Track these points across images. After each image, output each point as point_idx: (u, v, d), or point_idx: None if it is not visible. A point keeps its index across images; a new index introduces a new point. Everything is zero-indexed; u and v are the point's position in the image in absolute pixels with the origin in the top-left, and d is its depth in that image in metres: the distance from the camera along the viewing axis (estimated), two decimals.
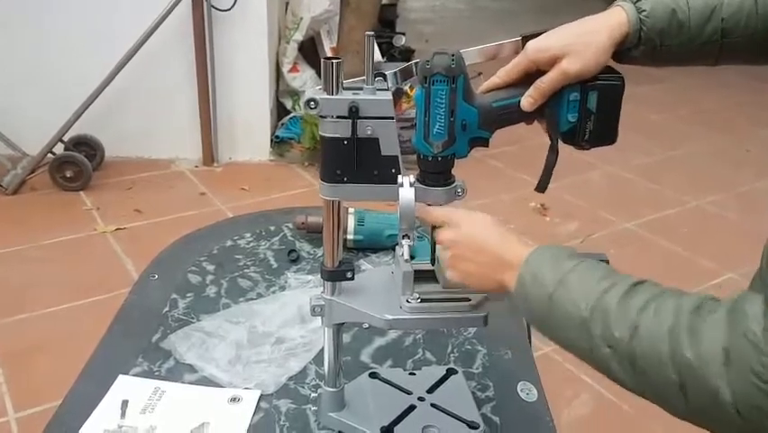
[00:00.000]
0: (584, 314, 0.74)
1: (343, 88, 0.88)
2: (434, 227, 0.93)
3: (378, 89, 0.89)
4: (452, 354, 1.24)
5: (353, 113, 0.86)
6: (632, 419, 2.33)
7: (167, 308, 1.32)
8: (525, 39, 0.90)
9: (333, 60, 0.86)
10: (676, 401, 0.67)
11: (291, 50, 4.34)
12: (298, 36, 4.31)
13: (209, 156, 4.20)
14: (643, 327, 0.69)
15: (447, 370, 1.15)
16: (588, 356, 0.75)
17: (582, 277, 0.77)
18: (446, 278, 0.92)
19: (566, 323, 0.76)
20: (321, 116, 0.88)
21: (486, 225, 0.89)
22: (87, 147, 3.96)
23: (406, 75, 0.92)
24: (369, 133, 0.88)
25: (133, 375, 1.15)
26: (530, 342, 1.27)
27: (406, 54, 5.22)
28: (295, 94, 4.44)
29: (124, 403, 1.08)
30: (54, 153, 3.78)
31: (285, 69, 4.36)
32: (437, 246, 0.94)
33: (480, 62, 0.91)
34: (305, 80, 4.41)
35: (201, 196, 3.84)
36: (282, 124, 4.42)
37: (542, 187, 1.06)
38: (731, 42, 0.91)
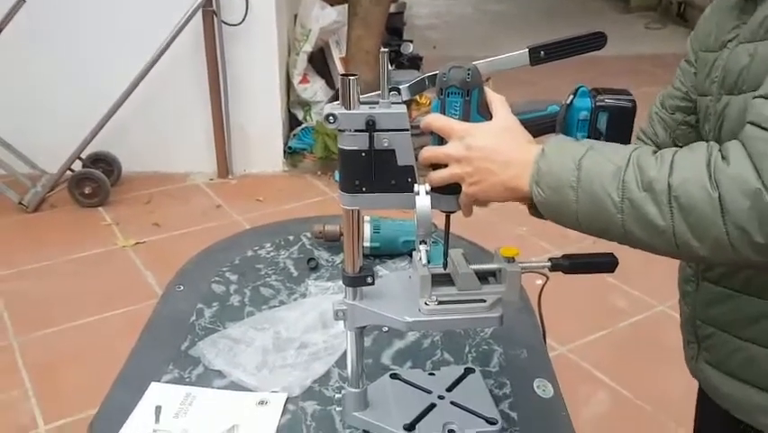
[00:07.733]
0: (619, 163, 0.80)
1: (360, 103, 0.92)
2: (440, 139, 0.93)
3: (393, 102, 0.93)
4: (469, 355, 1.28)
5: (370, 126, 0.90)
6: (650, 416, 2.35)
7: (194, 317, 1.37)
8: (532, 51, 0.94)
9: (350, 77, 0.90)
10: (711, 222, 0.75)
11: (301, 62, 4.39)
12: (308, 47, 4.36)
13: (224, 169, 4.26)
14: (677, 164, 0.78)
15: (465, 369, 1.19)
16: (614, 214, 0.80)
17: (607, 146, 0.86)
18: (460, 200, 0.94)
19: (595, 180, 0.81)
20: (339, 130, 0.92)
21: (496, 134, 0.91)
22: (105, 163, 4.04)
23: (418, 88, 0.97)
24: (385, 144, 0.92)
25: (165, 382, 1.20)
26: (545, 341, 1.31)
27: (415, 61, 5.26)
28: (306, 104, 4.50)
29: (158, 409, 1.13)
30: (72, 171, 3.87)
31: (295, 80, 4.42)
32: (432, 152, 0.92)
33: (490, 72, 0.95)
34: (315, 91, 4.46)
35: (217, 208, 3.90)
36: (294, 135, 4.47)
37: None
38: None
